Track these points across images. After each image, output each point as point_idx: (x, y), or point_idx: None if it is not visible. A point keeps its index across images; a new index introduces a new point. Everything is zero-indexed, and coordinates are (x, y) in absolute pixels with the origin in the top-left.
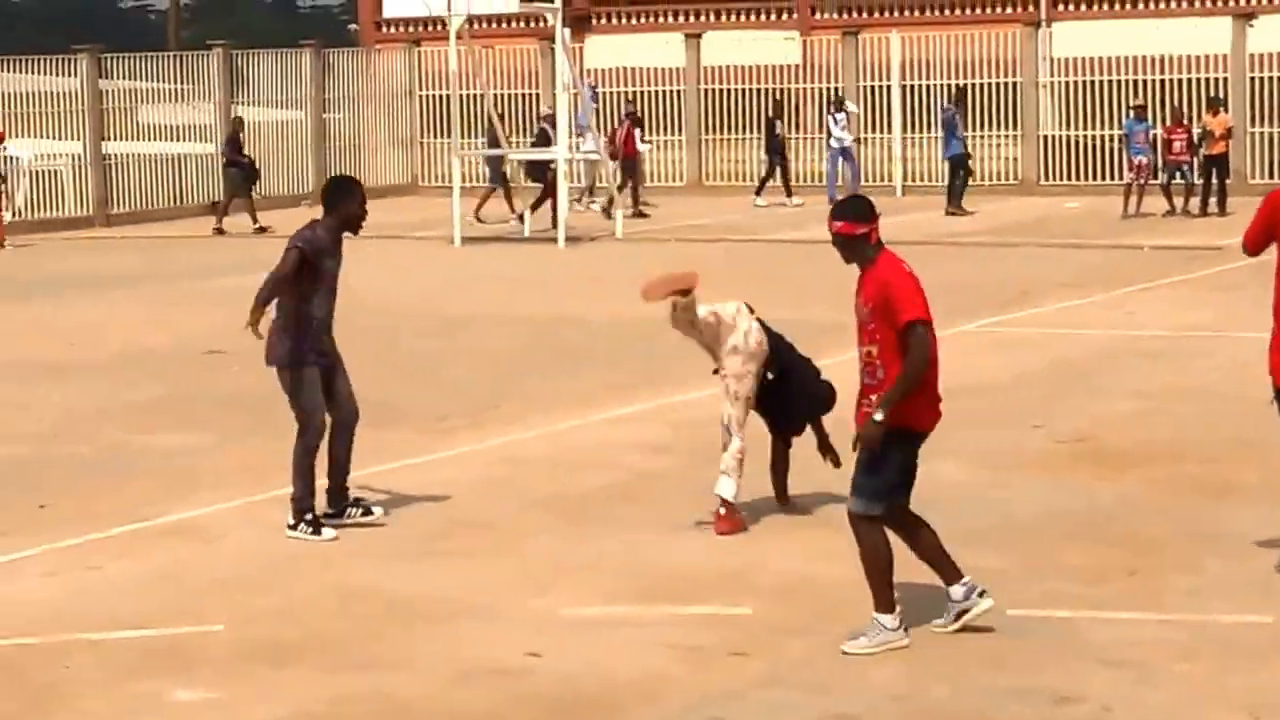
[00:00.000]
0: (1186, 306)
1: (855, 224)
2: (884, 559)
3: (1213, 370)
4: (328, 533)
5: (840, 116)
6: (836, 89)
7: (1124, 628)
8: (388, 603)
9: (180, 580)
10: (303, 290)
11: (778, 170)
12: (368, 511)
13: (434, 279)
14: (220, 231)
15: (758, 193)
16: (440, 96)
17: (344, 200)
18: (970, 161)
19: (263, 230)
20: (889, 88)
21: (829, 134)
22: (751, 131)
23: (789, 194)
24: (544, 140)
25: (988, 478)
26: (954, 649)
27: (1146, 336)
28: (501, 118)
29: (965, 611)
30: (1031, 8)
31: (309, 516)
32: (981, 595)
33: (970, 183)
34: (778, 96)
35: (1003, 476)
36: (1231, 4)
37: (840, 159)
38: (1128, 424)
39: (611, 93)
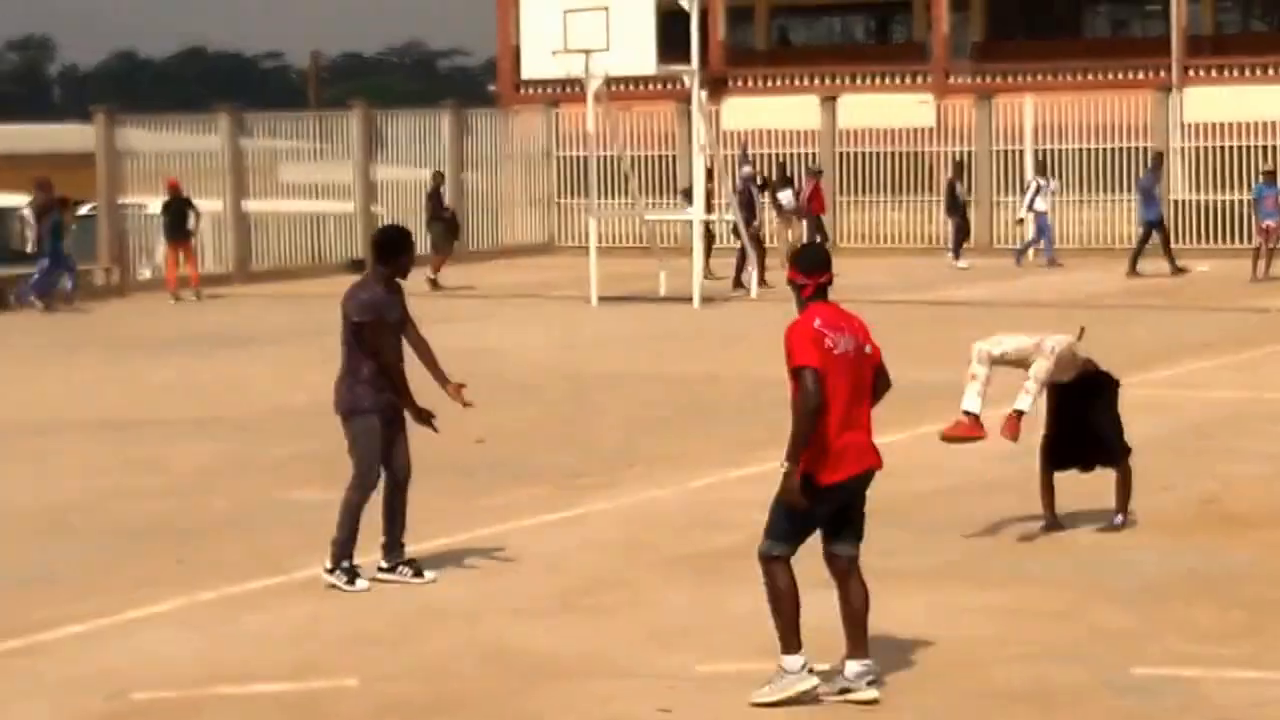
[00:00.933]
0: None
1: (796, 273)
2: (787, 600)
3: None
4: (360, 584)
5: (1041, 182)
6: (970, 151)
7: (1248, 688)
8: (523, 660)
9: (316, 635)
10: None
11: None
12: (419, 573)
13: (570, 337)
14: (435, 285)
15: (956, 255)
16: (578, 157)
17: (399, 254)
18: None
19: (436, 286)
20: (1021, 152)
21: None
22: (885, 194)
23: (956, 256)
24: (747, 200)
25: (1118, 538)
26: (1086, 708)
27: (1274, 400)
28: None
29: (849, 690)
30: (1164, 73)
31: (345, 564)
32: (871, 684)
33: (1137, 245)
34: (958, 158)
35: (1132, 537)
36: None
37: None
38: (1255, 487)
39: (786, 154)
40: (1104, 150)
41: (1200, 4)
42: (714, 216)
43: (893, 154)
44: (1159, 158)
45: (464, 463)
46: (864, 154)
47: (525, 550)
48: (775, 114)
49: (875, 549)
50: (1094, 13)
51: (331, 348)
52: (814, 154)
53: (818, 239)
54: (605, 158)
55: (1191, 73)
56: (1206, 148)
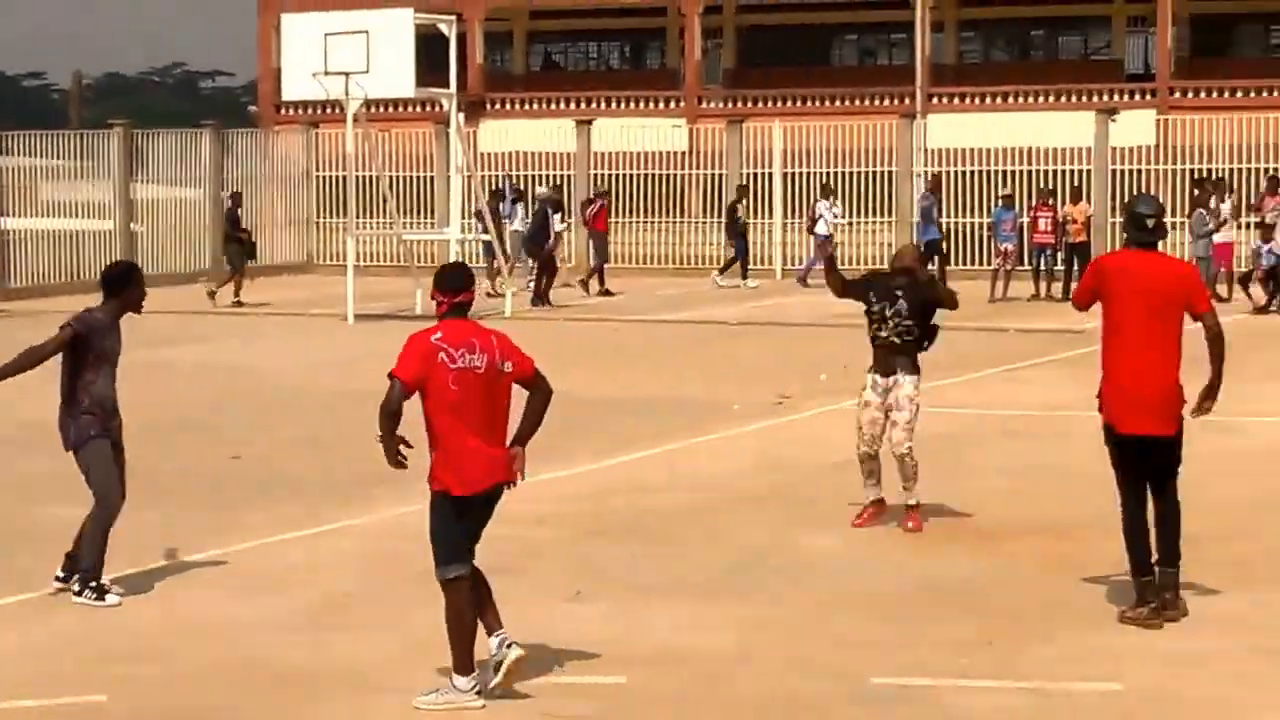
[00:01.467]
0: (1050, 387)
1: (435, 290)
2: (464, 621)
3: (1074, 450)
4: (111, 598)
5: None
6: (722, 175)
7: (983, 695)
8: (275, 674)
9: (64, 652)
10: (85, 371)
11: (738, 252)
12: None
13: (327, 355)
14: (240, 304)
15: (722, 272)
16: (337, 177)
17: (126, 286)
18: (943, 246)
19: (240, 305)
20: (770, 175)
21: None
22: (639, 215)
23: (745, 276)
24: (543, 220)
25: (862, 550)
26: (829, 716)
27: (1012, 416)
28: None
29: (501, 662)
30: (908, 100)
31: (93, 584)
32: (510, 646)
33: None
34: (743, 181)
35: (876, 549)
36: (1095, 100)
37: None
38: (992, 500)
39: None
40: (850, 174)
41: (944, 34)
42: (471, 236)
43: (646, 176)
44: (936, 180)
45: (219, 479)
46: (619, 175)
47: (279, 566)
48: (532, 137)
49: (622, 565)
50: (842, 42)
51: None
52: (570, 175)
53: (597, 260)
54: (364, 178)
55: (935, 100)
56: (949, 172)
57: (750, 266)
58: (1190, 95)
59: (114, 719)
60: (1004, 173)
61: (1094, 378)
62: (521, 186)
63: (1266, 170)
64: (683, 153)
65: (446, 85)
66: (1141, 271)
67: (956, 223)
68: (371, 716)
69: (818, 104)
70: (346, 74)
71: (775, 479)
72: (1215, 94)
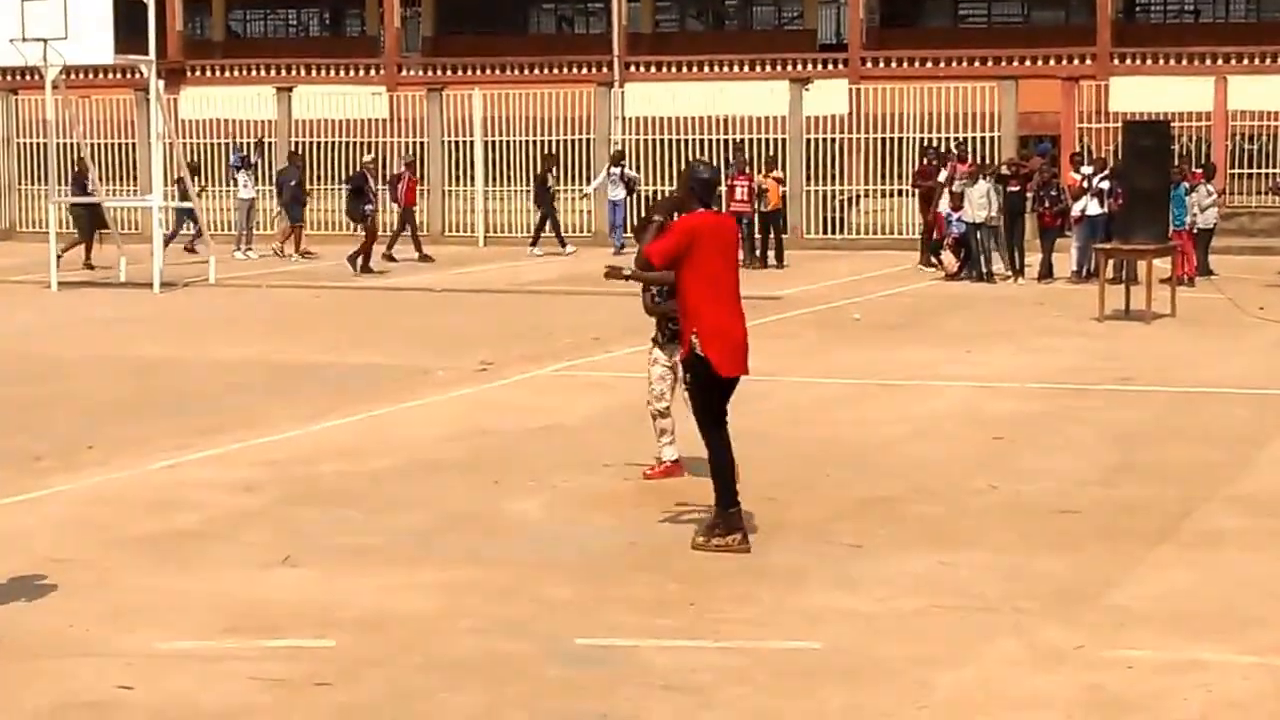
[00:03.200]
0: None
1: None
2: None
3: (769, 412)
4: None
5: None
6: (422, 143)
7: (685, 655)
8: None
9: None
10: None
11: (548, 220)
12: None
13: (30, 322)
14: (90, 267)
15: (534, 243)
16: (38, 144)
17: None
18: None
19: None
20: (471, 143)
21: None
22: (339, 183)
23: (562, 244)
24: (360, 188)
25: (564, 514)
26: (533, 679)
27: None
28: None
29: None
30: (606, 69)
31: None
32: None
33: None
34: (550, 150)
35: (577, 513)
36: (789, 69)
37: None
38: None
39: (205, 144)
40: (549, 142)
41: (640, 3)
42: (172, 203)
43: (348, 144)
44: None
45: None
46: (319, 143)
47: None
48: (233, 104)
49: (326, 529)
50: (540, 10)
51: None
52: (271, 143)
53: (408, 231)
54: (65, 145)
55: (632, 68)
56: (646, 140)
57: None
58: (881, 65)
59: None
60: (702, 141)
61: (788, 345)
62: (249, 155)
63: (955, 140)
64: (383, 120)
65: (146, 52)
66: (720, 229)
67: (655, 190)
68: (71, 678)
69: (517, 72)
70: (44, 40)
71: (479, 443)
72: (905, 64)
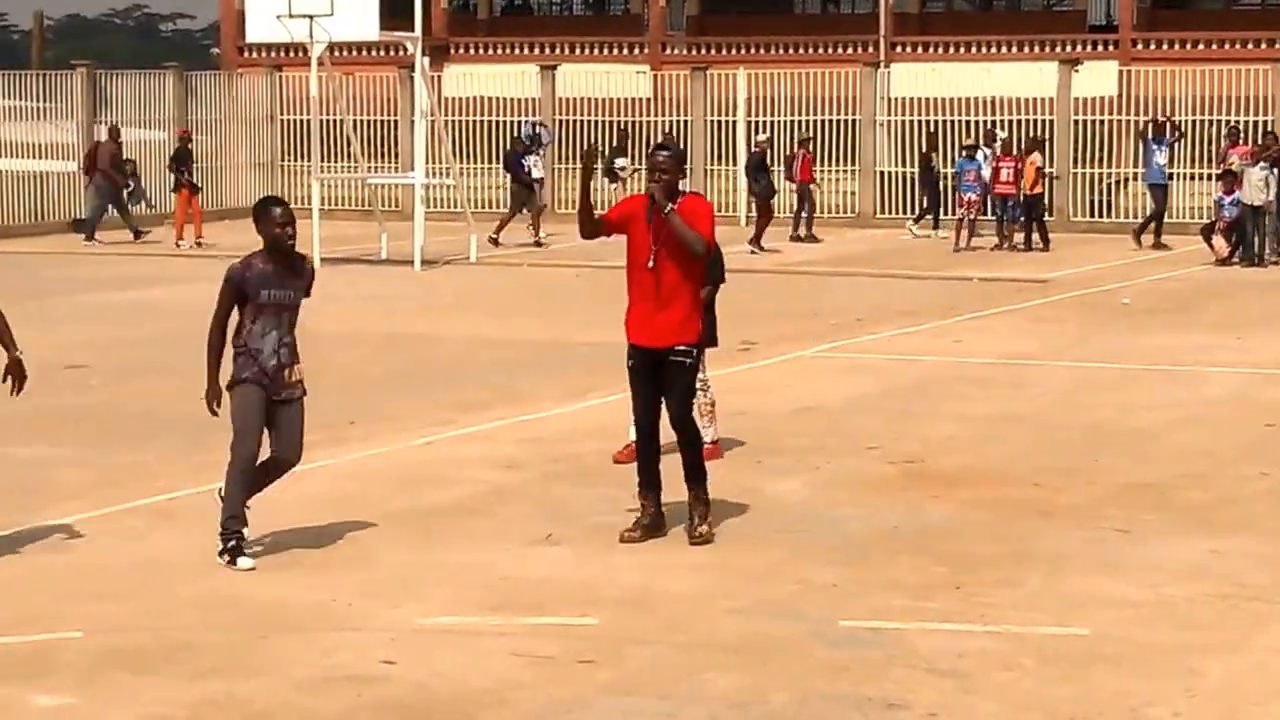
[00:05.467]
0: (1013, 336)
1: None
2: None
3: (1036, 397)
4: (244, 562)
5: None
6: (686, 122)
7: (950, 639)
8: (247, 612)
9: (39, 588)
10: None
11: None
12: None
13: None
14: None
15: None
16: (301, 121)
17: (258, 222)
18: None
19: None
20: (734, 123)
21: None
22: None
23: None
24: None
25: (825, 496)
26: (797, 659)
27: (975, 364)
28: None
29: None
30: (872, 49)
31: (230, 543)
32: None
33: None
34: (667, 129)
35: (839, 495)
36: (1058, 50)
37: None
38: (956, 447)
39: (468, 121)
40: (814, 122)
41: None
42: (434, 180)
43: (610, 123)
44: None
45: (188, 419)
46: (583, 121)
47: (248, 507)
48: (496, 82)
49: (588, 507)
50: None
51: (51, 305)
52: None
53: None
54: (328, 121)
55: (898, 49)
56: (911, 122)
57: None
58: (1152, 46)
59: (88, 654)
60: (967, 123)
61: (1055, 329)
62: (540, 136)
63: (1227, 122)
64: (647, 99)
65: (411, 28)
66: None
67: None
68: (335, 653)
69: (781, 52)
70: (310, 16)
71: (738, 424)
72: (1177, 45)
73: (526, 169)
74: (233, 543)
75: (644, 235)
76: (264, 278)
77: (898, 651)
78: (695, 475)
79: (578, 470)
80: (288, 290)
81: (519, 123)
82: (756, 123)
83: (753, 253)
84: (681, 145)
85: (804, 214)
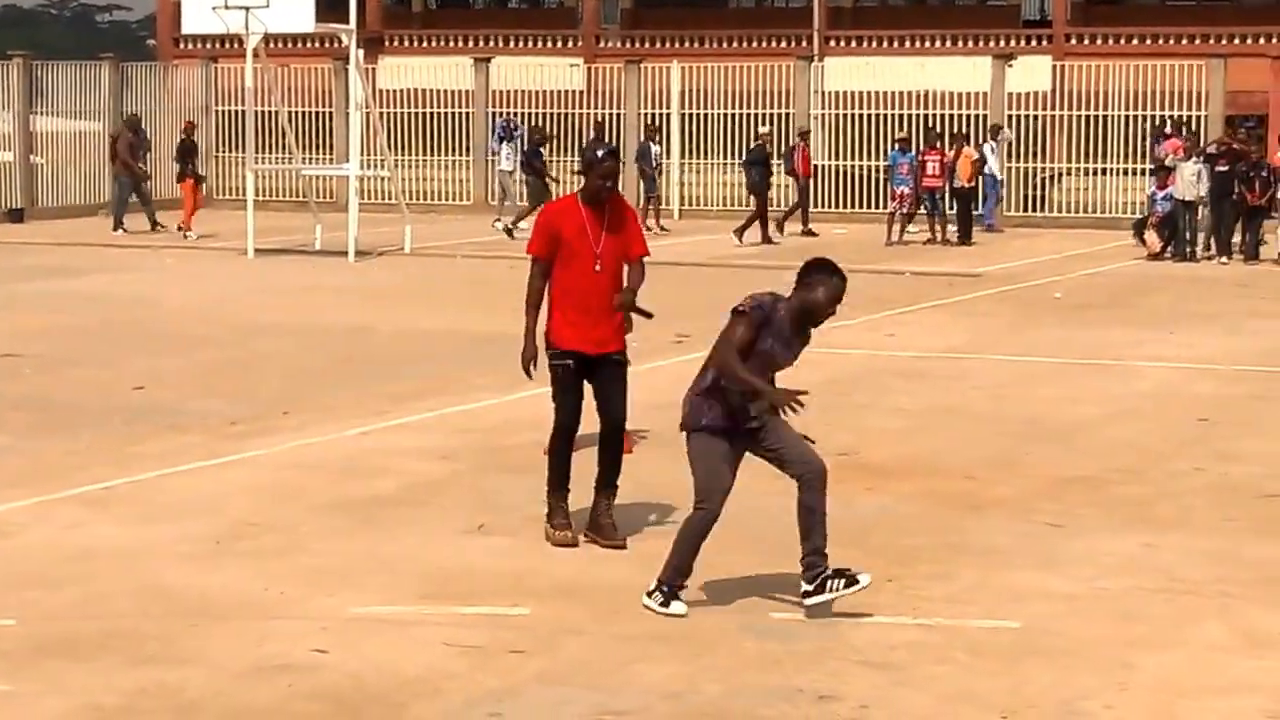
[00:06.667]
0: (945, 330)
1: None
2: None
3: (969, 391)
4: (678, 606)
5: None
6: (619, 114)
7: (882, 631)
8: (182, 600)
9: None
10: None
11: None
12: (853, 581)
13: (227, 288)
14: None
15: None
16: (236, 112)
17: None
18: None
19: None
20: (669, 115)
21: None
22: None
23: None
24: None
25: (758, 488)
26: (729, 651)
27: (907, 358)
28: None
29: None
30: (805, 43)
31: (665, 588)
32: None
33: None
34: (598, 119)
35: (772, 487)
36: (992, 45)
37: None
38: (890, 440)
39: (403, 113)
40: (747, 116)
41: None
42: (369, 172)
43: (544, 115)
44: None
45: (122, 409)
46: (516, 114)
47: (182, 495)
48: (430, 74)
49: (522, 498)
50: None
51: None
52: (469, 113)
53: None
54: (263, 113)
55: (832, 43)
56: (845, 115)
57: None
58: (1086, 41)
59: (22, 642)
60: (900, 116)
61: (987, 323)
62: (513, 127)
63: (1160, 117)
64: (580, 92)
65: (346, 21)
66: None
67: (853, 165)
68: (268, 642)
69: (715, 45)
70: (246, 8)
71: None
72: (1111, 40)
73: (501, 158)
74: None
75: (585, 241)
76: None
77: (830, 644)
78: (616, 474)
79: (512, 461)
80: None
81: (506, 115)
82: (689, 115)
83: (738, 244)
84: (619, 139)
85: (804, 207)
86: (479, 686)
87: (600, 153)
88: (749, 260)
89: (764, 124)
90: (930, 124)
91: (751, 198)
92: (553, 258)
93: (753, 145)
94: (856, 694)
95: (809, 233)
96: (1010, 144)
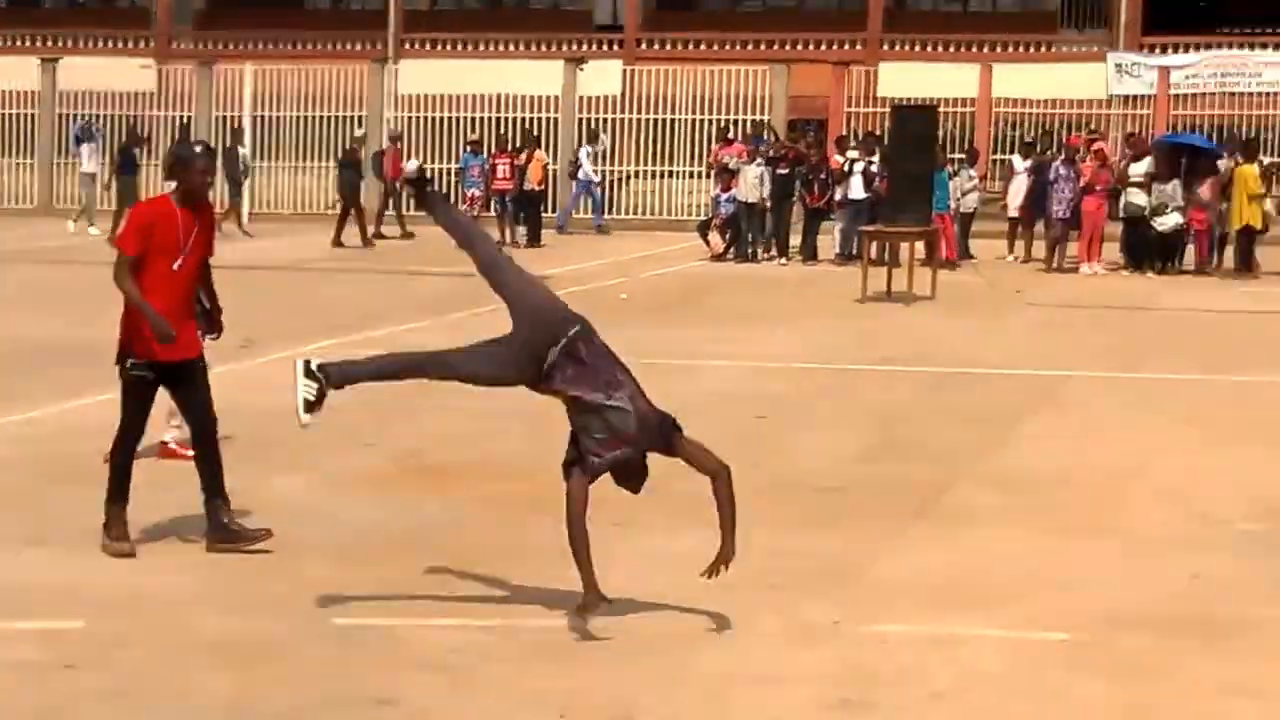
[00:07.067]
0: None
1: None
2: None
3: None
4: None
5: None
6: (190, 117)
7: (442, 634)
8: None
9: None
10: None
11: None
12: None
13: None
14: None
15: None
16: None
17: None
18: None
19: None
20: (241, 117)
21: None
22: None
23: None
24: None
25: (321, 493)
26: (289, 659)
27: None
28: None
29: None
30: (381, 45)
31: None
32: None
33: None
34: (183, 120)
35: (336, 492)
36: (565, 49)
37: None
38: (455, 443)
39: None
40: (321, 118)
41: None
42: None
43: (113, 117)
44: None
45: None
46: (89, 116)
47: None
48: None
49: (81, 508)
50: None
51: None
52: (34, 114)
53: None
54: None
55: (408, 45)
56: (420, 118)
57: None
58: (656, 46)
59: None
60: (473, 119)
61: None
62: (91, 127)
63: (726, 121)
64: (152, 93)
65: None
66: None
67: (430, 169)
68: None
69: (290, 47)
70: None
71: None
72: (680, 45)
73: (83, 160)
74: None
75: (175, 241)
76: None
77: (389, 648)
78: (223, 476)
79: (71, 471)
80: None
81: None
82: (263, 117)
83: (338, 248)
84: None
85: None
86: (30, 704)
87: (198, 150)
88: (322, 264)
89: (359, 127)
90: (502, 128)
91: (339, 201)
92: (143, 256)
93: (347, 148)
94: (416, 698)
95: (408, 235)
96: (607, 149)
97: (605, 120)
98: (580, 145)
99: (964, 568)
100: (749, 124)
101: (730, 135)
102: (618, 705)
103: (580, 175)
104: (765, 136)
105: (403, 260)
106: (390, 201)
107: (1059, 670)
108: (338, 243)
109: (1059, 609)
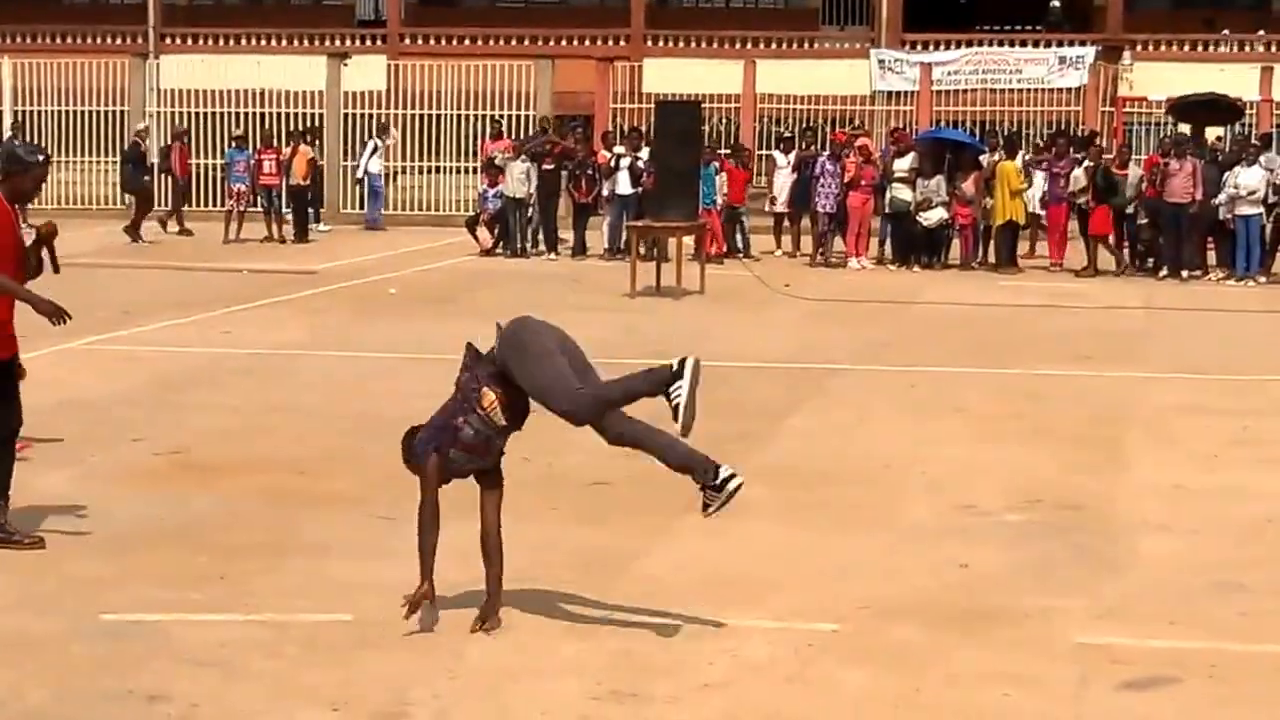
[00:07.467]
0: (282, 327)
1: None
2: None
3: (306, 387)
4: None
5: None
6: None
7: (213, 629)
8: None
9: None
10: None
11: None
12: None
13: None
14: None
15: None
16: None
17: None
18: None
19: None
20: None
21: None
22: None
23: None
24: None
25: (91, 489)
26: (56, 656)
27: (244, 355)
28: None
29: None
30: (141, 40)
31: None
32: None
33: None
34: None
35: (105, 487)
36: (328, 44)
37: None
38: (224, 438)
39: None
40: (82, 113)
41: None
42: None
43: None
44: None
45: None
46: None
47: None
48: None
49: None
50: None
51: None
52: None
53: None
54: None
55: (168, 40)
56: (182, 113)
57: None
58: (419, 41)
59: None
60: (237, 114)
61: (321, 320)
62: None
63: (491, 117)
64: None
65: None
66: None
67: (192, 164)
68: None
69: (48, 41)
70: None
71: None
72: (444, 41)
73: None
74: None
75: (9, 242)
76: None
77: (159, 643)
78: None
79: None
80: None
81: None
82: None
83: (134, 243)
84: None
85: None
86: None
87: (40, 158)
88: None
89: (141, 120)
90: (267, 123)
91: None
92: None
93: (130, 142)
94: (187, 693)
95: (185, 232)
96: (347, 141)
97: (370, 115)
98: (369, 138)
99: (733, 561)
100: (528, 120)
101: (500, 130)
102: (390, 698)
103: (373, 168)
104: (547, 131)
105: (172, 255)
106: (178, 198)
107: (828, 661)
108: (136, 236)
109: (828, 600)
